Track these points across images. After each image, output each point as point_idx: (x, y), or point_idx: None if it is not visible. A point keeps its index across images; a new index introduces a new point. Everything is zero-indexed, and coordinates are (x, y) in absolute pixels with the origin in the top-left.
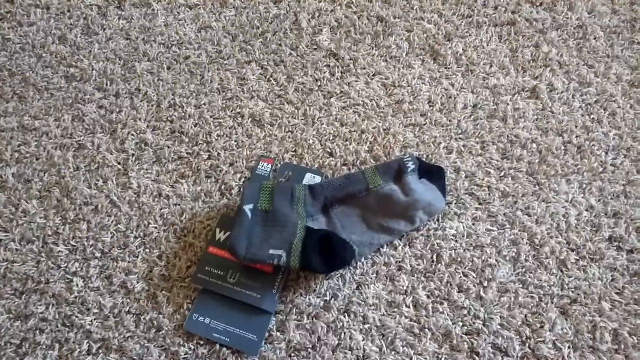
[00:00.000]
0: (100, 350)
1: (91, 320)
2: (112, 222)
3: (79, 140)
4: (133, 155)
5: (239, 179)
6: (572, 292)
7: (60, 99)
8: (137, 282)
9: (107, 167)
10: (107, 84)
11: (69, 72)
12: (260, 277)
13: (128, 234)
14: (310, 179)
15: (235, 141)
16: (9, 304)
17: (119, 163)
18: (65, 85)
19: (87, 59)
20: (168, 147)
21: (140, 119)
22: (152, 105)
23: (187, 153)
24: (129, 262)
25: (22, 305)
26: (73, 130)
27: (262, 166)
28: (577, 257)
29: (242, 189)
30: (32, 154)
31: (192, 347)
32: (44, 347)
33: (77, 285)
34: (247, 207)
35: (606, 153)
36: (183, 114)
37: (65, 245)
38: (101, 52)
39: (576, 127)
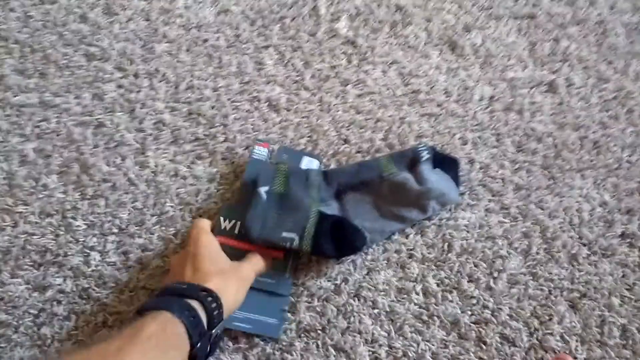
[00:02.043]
0: (115, 323)
1: (107, 294)
2: (129, 199)
3: (99, 118)
4: (151, 135)
5: None
6: (582, 286)
7: (81, 77)
8: (153, 259)
9: (126, 145)
10: (126, 64)
11: (89, 51)
12: (272, 264)
13: (145, 212)
14: (307, 162)
15: (251, 125)
16: (27, 275)
17: (137, 142)
18: (86, 64)
19: (107, 39)
20: (185, 128)
21: (158, 100)
22: (170, 87)
23: (204, 135)
24: (145, 239)
25: (41, 277)
26: (93, 108)
27: (259, 150)
28: (589, 252)
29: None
30: (53, 130)
31: None
32: (60, 317)
33: (95, 259)
34: (263, 190)
35: (622, 150)
36: (201, 96)
37: (84, 220)
38: (121, 33)
39: (593, 122)
